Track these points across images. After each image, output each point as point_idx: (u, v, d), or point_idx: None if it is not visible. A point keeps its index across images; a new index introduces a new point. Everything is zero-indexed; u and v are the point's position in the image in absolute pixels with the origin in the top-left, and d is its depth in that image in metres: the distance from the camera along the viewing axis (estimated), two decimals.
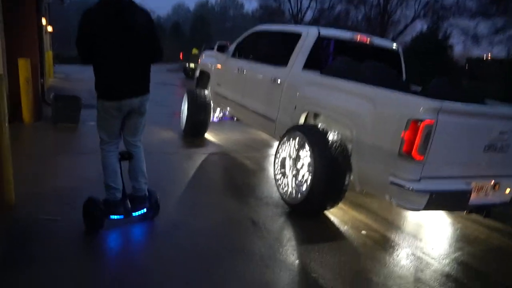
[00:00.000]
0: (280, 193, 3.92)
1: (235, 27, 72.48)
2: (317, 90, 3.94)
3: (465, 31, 20.70)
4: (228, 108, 6.02)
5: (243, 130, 7.45)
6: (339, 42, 4.59)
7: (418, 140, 2.89)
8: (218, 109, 6.70)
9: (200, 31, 37.63)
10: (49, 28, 14.36)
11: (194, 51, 20.14)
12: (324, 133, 3.57)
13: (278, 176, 3.99)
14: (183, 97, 6.64)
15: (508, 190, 3.45)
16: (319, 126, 3.69)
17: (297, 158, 3.83)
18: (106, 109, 2.99)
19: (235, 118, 6.77)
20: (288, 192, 3.82)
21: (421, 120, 2.86)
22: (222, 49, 5.95)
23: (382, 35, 20.78)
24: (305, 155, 3.72)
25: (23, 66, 6.27)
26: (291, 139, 3.88)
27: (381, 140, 3.15)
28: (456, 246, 3.48)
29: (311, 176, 3.49)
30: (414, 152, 2.92)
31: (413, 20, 22.30)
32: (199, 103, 6.19)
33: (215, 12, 71.80)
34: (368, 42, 4.75)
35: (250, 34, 5.73)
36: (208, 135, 6.68)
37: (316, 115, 4.20)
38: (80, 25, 2.81)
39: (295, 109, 4.18)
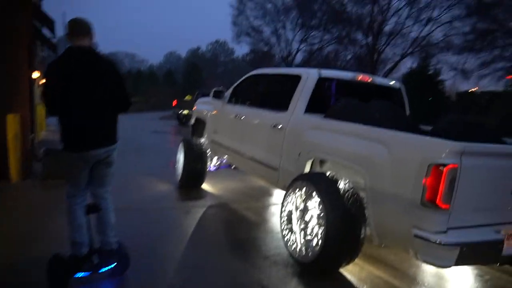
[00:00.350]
0: (289, 251, 3.55)
1: (226, 71, 73.98)
2: (322, 135, 3.69)
3: (454, 66, 21.08)
4: (226, 156, 5.75)
5: (240, 178, 7.13)
6: (340, 83, 4.41)
7: (442, 187, 2.61)
8: (215, 157, 6.43)
9: (192, 78, 38.16)
10: (43, 81, 14.31)
11: (188, 97, 20.22)
12: (334, 181, 3.28)
13: (285, 232, 3.65)
14: (177, 145, 6.39)
15: None
16: (327, 173, 3.40)
17: (305, 210, 3.51)
18: (71, 161, 2.95)
19: (232, 166, 6.50)
20: (298, 250, 3.46)
21: (444, 165, 2.59)
22: (218, 95, 5.77)
23: (373, 73, 21.05)
24: (314, 206, 3.40)
25: (12, 122, 6.01)
26: (298, 189, 3.58)
27: (399, 188, 2.85)
28: None
29: (324, 230, 3.15)
30: (438, 200, 2.62)
31: (402, 57, 22.74)
32: (196, 152, 5.92)
33: (206, 58, 73.46)
34: (370, 82, 4.58)
35: (247, 78, 5.57)
36: (205, 185, 6.34)
37: (322, 162, 3.93)
38: (46, 75, 2.87)
39: (299, 156, 3.91)
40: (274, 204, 5.67)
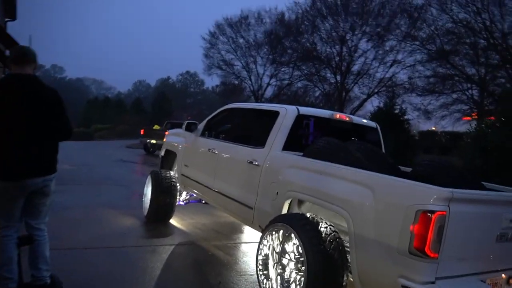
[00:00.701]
0: None
1: (196, 102, 74.08)
2: (302, 174, 3.54)
3: (417, 107, 21.99)
4: (197, 192, 5.49)
5: (210, 213, 6.86)
6: (318, 121, 4.33)
7: (431, 234, 2.49)
8: (185, 191, 6.15)
9: (161, 107, 37.74)
10: None
11: (156, 127, 19.83)
12: (315, 224, 3.11)
13: (261, 278, 3.41)
14: (143, 175, 6.09)
15: None
16: (307, 215, 3.23)
17: (282, 254, 3.30)
18: (4, 190, 2.83)
19: (203, 201, 6.24)
20: None
21: (433, 212, 2.49)
22: (190, 127, 5.56)
23: (341, 110, 21.59)
24: (293, 249, 3.20)
25: None
26: (275, 231, 3.38)
27: (385, 234, 2.72)
28: None
29: (304, 276, 2.95)
30: (427, 248, 2.50)
31: (368, 96, 23.50)
32: (165, 185, 5.62)
33: (176, 88, 73.44)
34: (347, 120, 4.54)
35: (221, 112, 5.42)
36: (173, 221, 6.02)
37: (301, 203, 3.77)
38: None
39: (277, 195, 3.74)
40: (246, 243, 5.42)
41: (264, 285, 3.36)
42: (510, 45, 17.20)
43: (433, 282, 2.55)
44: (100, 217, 5.85)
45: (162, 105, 38.38)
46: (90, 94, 69.75)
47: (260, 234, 4.20)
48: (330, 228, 3.10)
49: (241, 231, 5.98)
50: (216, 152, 4.91)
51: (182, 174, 5.76)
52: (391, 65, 22.62)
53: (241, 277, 4.03)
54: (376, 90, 22.78)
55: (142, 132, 18.87)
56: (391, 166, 3.69)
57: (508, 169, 6.40)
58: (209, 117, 5.62)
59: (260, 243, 3.51)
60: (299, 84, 27.68)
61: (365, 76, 23.41)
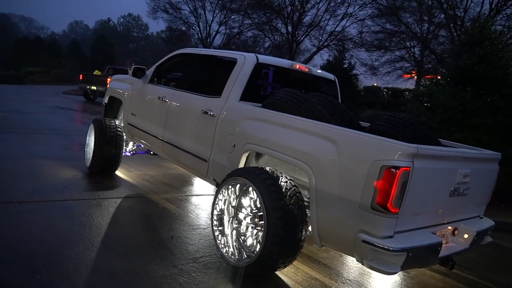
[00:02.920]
0: (221, 254, 3.21)
1: (139, 48, 70.08)
2: (261, 127, 3.37)
3: (364, 62, 22.39)
4: (145, 142, 5.17)
5: (158, 164, 6.59)
6: (278, 71, 4.11)
7: (394, 190, 2.47)
8: (131, 142, 5.80)
9: (102, 52, 35.23)
10: None
11: (96, 72, 18.53)
12: (275, 178, 2.99)
13: (217, 233, 3.29)
14: (83, 124, 5.63)
15: (466, 235, 3.20)
16: (267, 169, 3.10)
17: (238, 209, 3.19)
18: None
19: (151, 152, 5.94)
20: (230, 253, 3.14)
21: (398, 167, 2.45)
22: (138, 73, 5.11)
23: None
24: (250, 204, 3.10)
25: None
26: (231, 186, 3.24)
27: (347, 190, 2.67)
28: None
29: (263, 231, 2.87)
30: (389, 204, 2.48)
31: (318, 49, 23.46)
32: (109, 135, 5.23)
33: (117, 32, 68.82)
34: (307, 71, 4.37)
35: (172, 57, 5.01)
36: (119, 172, 5.69)
37: (258, 156, 3.63)
38: None
39: (233, 148, 3.56)
40: (197, 195, 5.28)
41: (219, 241, 3.25)
42: (454, 3, 17.68)
43: (391, 236, 2.57)
44: (37, 169, 5.37)
45: (103, 50, 35.74)
46: (19, 34, 63.33)
47: (214, 187, 4.08)
48: (290, 183, 3.00)
49: (191, 183, 5.81)
50: (167, 100, 4.57)
51: (129, 124, 5.38)
52: (342, 18, 22.57)
53: (194, 230, 3.90)
54: (326, 44, 22.75)
55: (81, 77, 17.52)
56: (352, 121, 3.63)
57: (451, 126, 6.67)
58: (159, 62, 5.20)
59: (215, 197, 3.36)
60: (249, 34, 26.92)
61: (316, 28, 23.20)
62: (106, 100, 6.15)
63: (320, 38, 23.06)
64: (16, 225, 3.46)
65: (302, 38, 23.42)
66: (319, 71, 4.65)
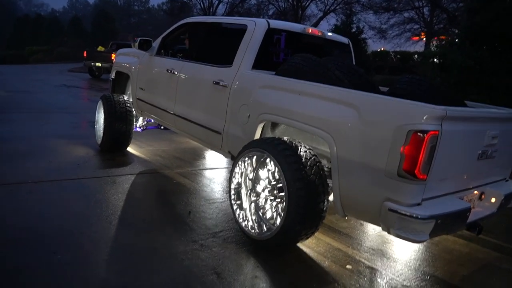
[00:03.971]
0: (241, 228, 3.15)
1: (141, 22, 68.92)
2: (277, 95, 3.23)
3: (372, 26, 21.74)
4: (155, 117, 5.07)
5: (169, 139, 6.52)
6: (290, 36, 3.92)
7: (422, 156, 2.35)
8: (141, 117, 5.70)
9: (103, 27, 34.69)
10: None
11: (100, 48, 18.27)
12: (294, 148, 2.88)
13: (235, 207, 3.22)
14: (91, 101, 5.54)
15: (493, 199, 3.10)
16: (286, 139, 2.99)
17: (257, 181, 3.11)
18: None
19: (161, 126, 5.85)
20: (250, 226, 3.08)
21: (426, 131, 2.32)
22: (144, 46, 4.94)
23: None
24: (268, 176, 3.01)
25: None
26: (248, 157, 3.15)
27: (371, 157, 2.55)
28: (448, 269, 3.06)
29: (285, 203, 2.78)
30: (417, 170, 2.37)
31: (325, 14, 22.79)
32: (119, 111, 5.13)
33: (118, 7, 67.62)
34: (320, 35, 4.18)
35: (179, 27, 4.82)
36: (130, 149, 5.63)
37: (274, 126, 3.51)
38: None
39: (248, 118, 3.44)
40: (211, 168, 5.21)
41: (238, 215, 3.18)
42: None
43: (419, 204, 2.47)
44: (48, 148, 5.32)
45: (105, 25, 35.19)
46: (19, 12, 62.49)
47: (228, 160, 4.00)
48: (309, 152, 2.89)
49: (204, 157, 5.74)
50: (176, 73, 4.43)
51: (138, 98, 5.26)
52: None
53: (211, 205, 3.85)
54: (332, 8, 22.06)
55: (85, 54, 17.28)
56: (370, 85, 3.46)
57: (467, 87, 6.45)
58: (165, 33, 5.01)
59: (232, 171, 3.27)
60: (253, 1, 26.15)
61: None
62: (113, 75, 6.01)
63: (326, 2, 22.33)
64: (33, 205, 3.44)
65: (307, 3, 22.70)
66: (332, 34, 4.44)
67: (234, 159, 3.83)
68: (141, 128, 5.84)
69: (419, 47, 29.75)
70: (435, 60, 7.30)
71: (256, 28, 3.71)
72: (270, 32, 3.76)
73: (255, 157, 3.12)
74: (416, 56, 21.92)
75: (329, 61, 3.40)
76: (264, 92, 3.34)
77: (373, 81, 3.61)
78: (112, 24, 36.04)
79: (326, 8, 22.21)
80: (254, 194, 3.15)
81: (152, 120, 5.70)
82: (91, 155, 5.15)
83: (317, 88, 2.93)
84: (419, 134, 2.33)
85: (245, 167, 3.20)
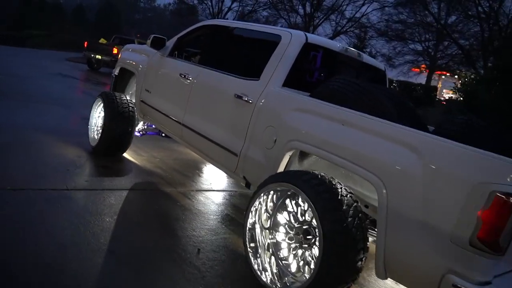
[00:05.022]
0: (260, 281, 2.61)
1: (145, 20, 68.29)
2: (313, 122, 2.75)
3: (380, 53, 21.62)
4: (159, 123, 4.55)
5: (169, 148, 5.97)
6: (327, 54, 3.47)
7: (505, 224, 1.88)
8: (142, 121, 5.17)
9: (107, 20, 34.11)
10: None
11: (102, 41, 17.71)
12: (329, 185, 2.39)
13: (250, 253, 2.70)
14: (85, 94, 5.01)
15: None
16: (323, 176, 2.49)
17: (277, 221, 2.62)
18: None
19: (162, 133, 5.34)
20: (269, 280, 2.56)
21: None
22: (158, 44, 4.45)
23: None
24: (289, 218, 2.52)
25: None
26: (273, 193, 2.65)
27: (434, 214, 2.07)
28: None
29: (320, 249, 2.27)
30: (496, 241, 1.90)
31: (336, 35, 22.55)
32: (121, 113, 4.59)
33: (124, 1, 67.00)
34: (357, 58, 3.73)
35: (198, 28, 4.34)
36: (128, 155, 5.08)
37: (303, 156, 3.01)
38: None
39: (274, 143, 2.94)
40: (220, 190, 4.62)
41: (254, 263, 2.65)
42: None
43: (489, 282, 1.99)
44: (35, 145, 4.73)
45: (109, 18, 34.60)
46: None
47: (229, 179, 3.49)
48: (345, 190, 2.40)
49: (209, 174, 5.17)
50: (191, 79, 3.93)
51: (142, 101, 4.74)
52: (363, 4, 21.63)
53: (222, 241, 3.22)
54: (345, 29, 21.85)
55: (85, 45, 16.69)
56: (420, 122, 3.00)
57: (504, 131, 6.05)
58: (181, 33, 4.53)
59: (250, 205, 2.76)
60: (265, 13, 25.80)
61: (336, 12, 22.20)
62: (116, 71, 5.49)
63: (337, 23, 22.08)
64: (3, 220, 2.81)
65: (321, 21, 22.44)
66: (369, 58, 4.00)
67: (247, 186, 3.34)
68: (140, 132, 5.31)
69: (421, 79, 29.76)
70: (452, 96, 6.90)
71: (292, 41, 3.25)
72: (307, 47, 3.30)
73: (278, 192, 2.63)
74: (419, 87, 21.73)
75: (377, 89, 2.94)
76: (298, 115, 2.86)
77: (421, 118, 3.16)
78: (116, 17, 35.45)
79: (339, 28, 21.96)
80: (274, 237, 2.65)
81: (154, 126, 5.20)
82: (83, 159, 4.58)
83: (370, 121, 2.45)
84: (505, 197, 1.86)
85: (267, 202, 2.70)
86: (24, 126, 5.48)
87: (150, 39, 4.43)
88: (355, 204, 2.37)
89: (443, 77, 35.14)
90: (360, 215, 2.35)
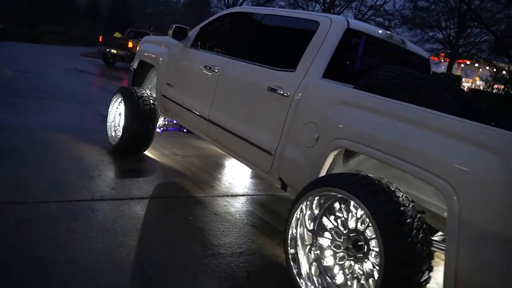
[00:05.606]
0: None
1: (158, 13, 68.06)
2: (363, 117, 2.42)
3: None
4: (182, 119, 4.28)
5: (193, 145, 5.70)
6: (370, 41, 3.12)
7: None
8: (163, 117, 4.91)
9: (120, 14, 34.00)
10: None
11: (117, 35, 17.52)
12: (389, 192, 2.07)
13: (294, 269, 2.41)
14: (102, 90, 4.82)
15: None
16: (377, 179, 2.17)
17: (322, 230, 2.32)
18: None
19: (184, 129, 5.07)
20: None
21: None
22: (179, 34, 4.15)
23: None
24: (334, 224, 2.22)
25: None
26: (319, 198, 2.34)
27: None
28: None
29: (381, 267, 1.96)
30: None
31: None
32: (143, 109, 4.34)
33: None
34: (402, 45, 3.37)
35: (223, 16, 4.04)
36: (152, 154, 4.83)
37: (348, 155, 2.68)
38: None
39: (316, 141, 2.63)
40: (257, 195, 4.20)
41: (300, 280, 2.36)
42: None
43: None
44: (53, 146, 4.51)
45: (122, 12, 34.48)
46: None
47: (276, 185, 3.19)
48: (413, 206, 2.07)
49: (241, 175, 4.79)
50: (217, 70, 3.63)
51: (163, 95, 4.46)
52: None
53: (273, 258, 2.90)
54: (367, 17, 21.22)
55: (100, 39, 16.51)
56: (484, 120, 2.65)
57: None
58: (205, 22, 4.22)
59: (292, 214, 2.45)
60: (281, 3, 25.17)
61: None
62: (135, 65, 5.22)
63: (359, 11, 21.40)
64: (25, 243, 2.48)
65: (342, 9, 21.79)
66: (413, 45, 3.64)
67: (284, 188, 3.03)
68: (161, 129, 5.05)
69: (439, 69, 28.91)
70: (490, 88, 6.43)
71: (332, 27, 2.91)
72: (348, 34, 2.96)
73: (325, 197, 2.33)
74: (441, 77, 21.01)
75: (434, 81, 2.59)
76: (344, 110, 2.53)
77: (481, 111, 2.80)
78: (130, 12, 35.31)
79: (361, 16, 21.29)
80: (317, 244, 2.36)
81: (175, 121, 4.93)
82: (106, 161, 4.31)
83: (437, 117, 2.10)
84: None
85: (311, 209, 2.39)
86: (41, 126, 5.26)
87: (171, 29, 4.14)
88: (419, 215, 2.04)
89: (462, 65, 34.13)
90: (424, 226, 2.03)
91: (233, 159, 3.83)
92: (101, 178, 3.82)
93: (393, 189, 2.09)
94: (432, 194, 2.33)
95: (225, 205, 3.73)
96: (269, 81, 3.06)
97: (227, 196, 4.00)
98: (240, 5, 26.16)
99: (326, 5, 21.87)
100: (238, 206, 3.80)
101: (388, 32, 3.28)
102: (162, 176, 4.26)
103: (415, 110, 2.19)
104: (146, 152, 4.76)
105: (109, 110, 4.87)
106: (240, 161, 3.47)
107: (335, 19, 2.97)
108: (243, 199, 4.02)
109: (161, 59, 4.59)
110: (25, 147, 4.27)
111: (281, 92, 2.93)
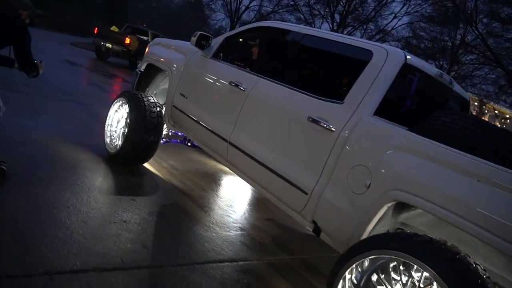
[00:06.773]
0: None
1: (150, 9, 67.03)
2: (429, 169, 2.11)
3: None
4: (195, 136, 3.90)
5: (200, 161, 5.29)
6: (423, 79, 2.85)
7: None
8: (168, 127, 4.54)
9: (115, 6, 33.25)
10: None
11: (114, 28, 16.92)
12: (462, 259, 1.77)
13: None
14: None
15: None
16: (440, 240, 1.86)
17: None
18: None
19: (188, 143, 4.73)
20: None
21: None
22: (203, 42, 3.79)
23: None
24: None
25: None
26: (375, 260, 2.01)
27: None
28: None
29: None
30: None
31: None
32: (150, 117, 3.94)
33: None
34: (449, 85, 3.12)
35: (253, 29, 3.71)
36: (148, 165, 4.42)
37: (401, 209, 2.36)
38: None
39: (367, 188, 2.31)
40: (264, 218, 3.91)
41: None
42: None
43: None
44: (43, 150, 4.04)
45: (117, 4, 33.70)
46: None
47: (308, 228, 2.84)
48: (489, 278, 1.77)
49: (248, 193, 4.45)
50: (244, 88, 3.28)
51: (175, 106, 4.08)
52: (394, 17, 21.23)
53: None
54: (374, 39, 21.32)
55: (95, 31, 15.82)
56: None
57: None
58: (231, 33, 3.89)
59: (336, 276, 2.11)
60: (285, 16, 24.82)
61: (368, 22, 21.55)
62: (143, 67, 4.82)
63: (364, 31, 21.37)
64: None
65: (350, 31, 21.65)
66: (458, 86, 3.39)
67: (316, 232, 2.69)
68: (164, 140, 4.66)
69: None
70: None
71: (388, 60, 2.62)
72: (405, 69, 2.67)
73: (392, 262, 1.99)
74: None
75: (501, 129, 2.32)
76: (406, 158, 2.22)
77: None
78: (124, 5, 34.58)
79: (368, 37, 21.26)
80: None
81: (180, 133, 4.57)
82: (98, 167, 3.88)
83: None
84: None
85: (361, 271, 2.06)
86: (26, 125, 4.56)
87: (195, 36, 3.77)
88: (484, 275, 1.74)
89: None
90: None
91: (239, 179, 3.42)
92: (93, 190, 3.38)
93: (456, 249, 1.80)
94: (503, 266, 2.04)
95: (232, 230, 3.36)
96: (310, 110, 2.74)
97: (228, 218, 3.62)
98: (242, 14, 25.82)
99: (335, 24, 21.72)
100: (243, 227, 3.43)
101: (440, 70, 3.02)
102: (157, 186, 3.84)
103: (501, 172, 1.89)
104: (155, 170, 4.34)
105: (109, 113, 4.45)
106: (264, 194, 3.12)
107: (392, 51, 2.68)
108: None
109: (175, 65, 4.21)
110: (9, 144, 3.76)
111: (325, 125, 2.60)
